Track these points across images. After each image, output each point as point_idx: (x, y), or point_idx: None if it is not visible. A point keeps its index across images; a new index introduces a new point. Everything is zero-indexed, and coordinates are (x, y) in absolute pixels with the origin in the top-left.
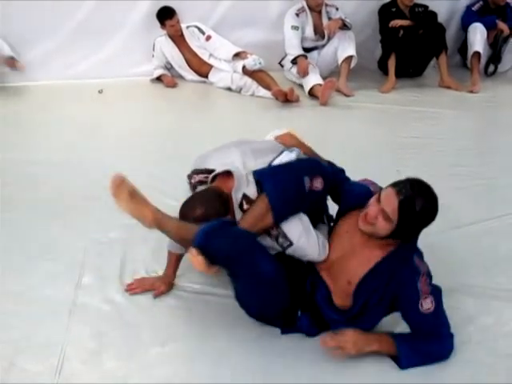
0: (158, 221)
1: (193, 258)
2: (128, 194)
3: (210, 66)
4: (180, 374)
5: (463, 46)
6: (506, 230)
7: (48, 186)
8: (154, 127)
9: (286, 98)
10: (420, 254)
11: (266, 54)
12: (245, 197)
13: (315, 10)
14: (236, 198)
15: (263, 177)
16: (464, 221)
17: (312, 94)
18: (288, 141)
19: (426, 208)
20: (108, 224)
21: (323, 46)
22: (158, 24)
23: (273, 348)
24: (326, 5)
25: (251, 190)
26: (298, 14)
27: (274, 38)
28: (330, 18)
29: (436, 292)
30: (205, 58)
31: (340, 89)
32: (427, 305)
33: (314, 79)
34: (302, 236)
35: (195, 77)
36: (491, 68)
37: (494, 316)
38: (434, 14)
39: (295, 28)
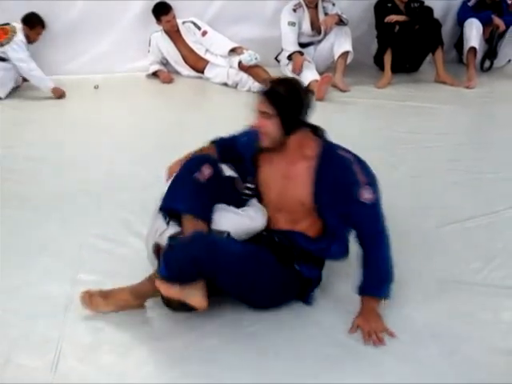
0: (137, 294)
1: (160, 289)
2: (102, 300)
3: (206, 62)
4: (175, 371)
5: (459, 41)
6: (504, 225)
7: (43, 182)
8: (150, 123)
9: None
10: (343, 149)
11: (262, 49)
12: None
13: (311, 5)
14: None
15: (167, 203)
16: (461, 215)
17: (309, 89)
18: None
19: (290, 89)
20: (106, 220)
21: (320, 41)
22: (153, 20)
23: (267, 345)
24: (323, 0)
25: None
26: (294, 10)
27: (270, 34)
28: (326, 14)
29: (375, 187)
30: (201, 53)
31: (336, 84)
32: (367, 194)
33: (310, 75)
34: (231, 221)
35: (191, 72)
36: (487, 63)
37: (491, 312)
38: (429, 10)
39: (292, 24)
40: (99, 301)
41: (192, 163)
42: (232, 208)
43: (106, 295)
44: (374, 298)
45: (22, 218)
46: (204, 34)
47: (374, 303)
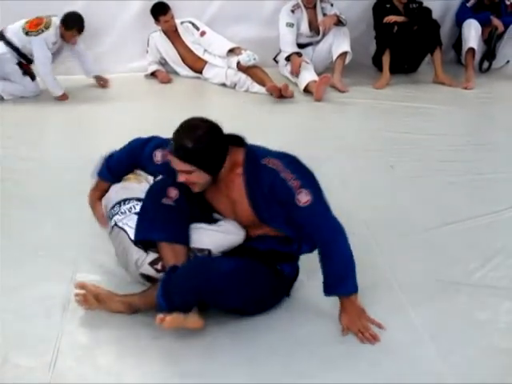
0: (129, 307)
1: (163, 324)
2: (96, 302)
3: (205, 62)
4: (172, 369)
5: (458, 42)
6: (503, 225)
7: (43, 182)
8: (149, 123)
9: (281, 94)
10: (272, 155)
11: (261, 50)
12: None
13: (309, 6)
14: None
15: (142, 235)
16: (459, 216)
17: (307, 90)
18: None
19: (195, 138)
20: None
21: (318, 42)
22: (151, 20)
23: (261, 341)
24: (321, 0)
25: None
26: (293, 11)
27: (268, 34)
28: (324, 14)
29: (311, 185)
30: (199, 53)
31: (334, 84)
32: (303, 198)
33: (308, 76)
34: (210, 238)
35: (190, 72)
36: (485, 64)
37: (490, 312)
38: (428, 10)
39: (290, 25)
40: (93, 302)
41: (156, 189)
42: (209, 225)
43: (99, 299)
44: (342, 295)
45: (19, 218)
46: (202, 34)
47: (348, 299)
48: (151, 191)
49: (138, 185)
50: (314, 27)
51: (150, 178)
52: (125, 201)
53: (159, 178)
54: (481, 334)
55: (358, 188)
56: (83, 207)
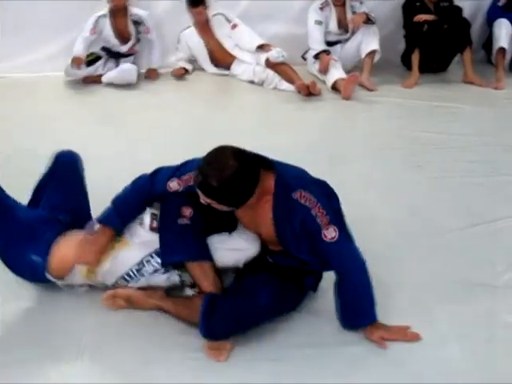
0: (160, 309)
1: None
2: (124, 303)
3: (233, 58)
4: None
5: (488, 41)
6: None
7: None
8: (175, 121)
9: (309, 92)
10: (303, 187)
11: (289, 47)
12: None
13: (338, 3)
14: None
15: (167, 258)
16: (485, 217)
17: (335, 88)
18: None
19: (221, 176)
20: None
21: (347, 40)
22: (177, 18)
23: (286, 340)
24: None
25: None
26: (321, 8)
27: (296, 32)
28: (354, 12)
29: (338, 220)
30: (229, 47)
31: (363, 83)
32: (330, 234)
33: (336, 74)
34: (228, 257)
35: (217, 70)
36: None
37: None
38: (458, 9)
39: (318, 23)
40: (122, 304)
41: (170, 211)
42: (224, 242)
43: (130, 301)
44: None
45: None
46: (234, 27)
47: (367, 329)
48: (165, 214)
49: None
50: (342, 25)
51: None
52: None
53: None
54: (506, 336)
55: (385, 187)
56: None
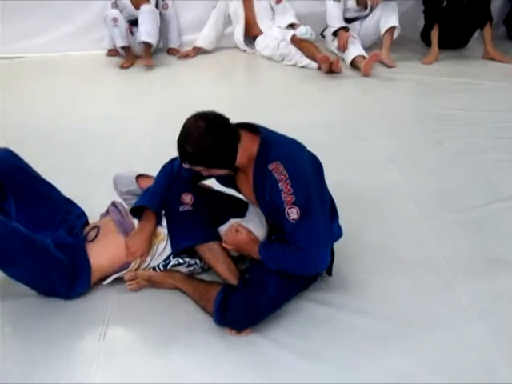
0: (178, 289)
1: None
2: (147, 282)
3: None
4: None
5: (508, 17)
6: None
7: (93, 156)
8: (192, 99)
9: (330, 69)
10: (281, 159)
11: (308, 25)
12: None
13: None
14: None
15: (176, 247)
16: (507, 194)
17: (354, 65)
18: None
19: (196, 140)
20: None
21: (366, 16)
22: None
23: (308, 316)
24: None
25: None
26: None
27: (315, 9)
28: None
29: (307, 207)
30: (260, 20)
31: (382, 60)
32: (293, 215)
33: (355, 51)
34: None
35: (243, 42)
36: None
37: None
38: None
39: (337, 0)
40: (145, 284)
41: (170, 201)
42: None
43: (152, 281)
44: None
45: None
46: (278, 1)
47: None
48: (168, 205)
49: None
50: (361, 2)
51: None
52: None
53: None
54: None
55: (405, 164)
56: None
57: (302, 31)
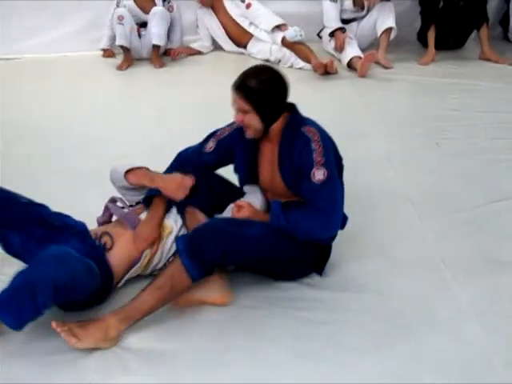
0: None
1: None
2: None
3: (250, 36)
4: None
5: (505, 17)
6: None
7: (86, 157)
8: (190, 100)
9: (326, 70)
10: (316, 126)
11: (304, 25)
12: None
13: None
14: None
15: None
16: (505, 194)
17: (350, 66)
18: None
19: (261, 80)
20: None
21: (362, 17)
22: None
23: (307, 316)
24: None
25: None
26: None
27: (312, 10)
28: None
29: (333, 170)
30: (245, 26)
31: (379, 61)
32: (319, 175)
33: (352, 51)
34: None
35: (234, 47)
36: None
37: None
38: None
39: (334, 0)
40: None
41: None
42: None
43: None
44: (271, 216)
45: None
46: (248, 6)
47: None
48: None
49: None
50: (358, 3)
51: None
52: None
53: None
54: None
55: (403, 165)
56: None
57: (292, 34)
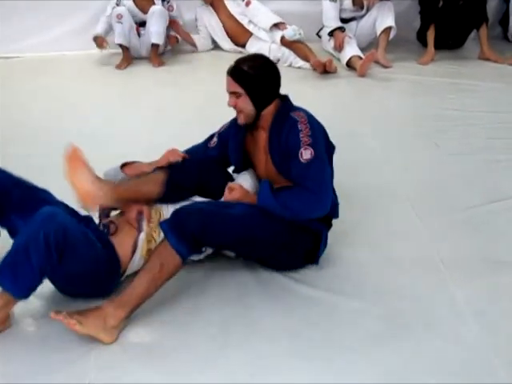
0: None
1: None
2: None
3: (249, 35)
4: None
5: (504, 17)
6: None
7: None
8: (189, 100)
9: (325, 69)
10: (305, 112)
11: (304, 25)
12: None
13: None
14: None
15: None
16: (504, 194)
17: (349, 65)
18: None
19: (254, 65)
20: None
21: (362, 16)
22: None
23: (301, 315)
24: None
25: None
26: None
27: (311, 9)
28: None
29: (320, 150)
30: (244, 23)
31: (378, 60)
32: (306, 155)
33: (351, 51)
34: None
35: (232, 46)
36: None
37: None
38: None
39: (333, 0)
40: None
41: None
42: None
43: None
44: (259, 196)
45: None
46: (248, 4)
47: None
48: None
49: None
50: (357, 2)
51: None
52: None
53: None
54: None
55: (402, 165)
56: None
57: (290, 33)
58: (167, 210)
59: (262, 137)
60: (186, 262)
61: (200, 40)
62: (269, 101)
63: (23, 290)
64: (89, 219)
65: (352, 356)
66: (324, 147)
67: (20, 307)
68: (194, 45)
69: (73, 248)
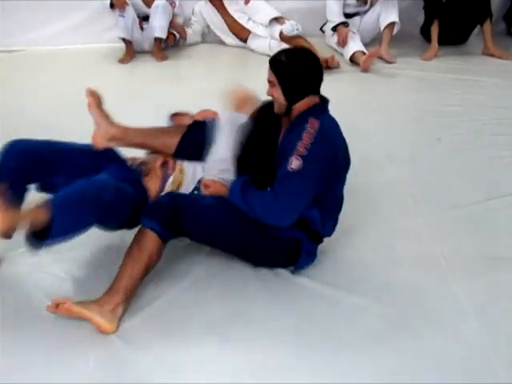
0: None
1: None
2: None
3: (249, 32)
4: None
5: (508, 13)
6: None
7: None
8: (191, 95)
9: (327, 65)
10: (323, 118)
11: (307, 20)
12: None
13: None
14: None
15: None
16: (506, 191)
17: (353, 60)
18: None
19: (292, 57)
20: None
21: (365, 11)
22: None
23: (302, 312)
24: None
25: None
26: None
27: (315, 4)
28: None
29: (313, 170)
30: (243, 22)
31: (382, 55)
32: (295, 164)
33: (355, 46)
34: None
35: (235, 41)
36: None
37: None
38: None
39: None
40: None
41: None
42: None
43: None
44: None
45: None
46: (247, 2)
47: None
48: None
49: None
50: None
51: None
52: None
53: None
54: None
55: (404, 160)
56: None
57: (288, 29)
58: (189, 169)
59: (283, 130)
60: (166, 240)
61: (189, 32)
62: (301, 95)
63: (62, 225)
64: (122, 161)
65: (352, 353)
66: (320, 166)
67: (20, 307)
68: (184, 38)
69: (117, 211)
